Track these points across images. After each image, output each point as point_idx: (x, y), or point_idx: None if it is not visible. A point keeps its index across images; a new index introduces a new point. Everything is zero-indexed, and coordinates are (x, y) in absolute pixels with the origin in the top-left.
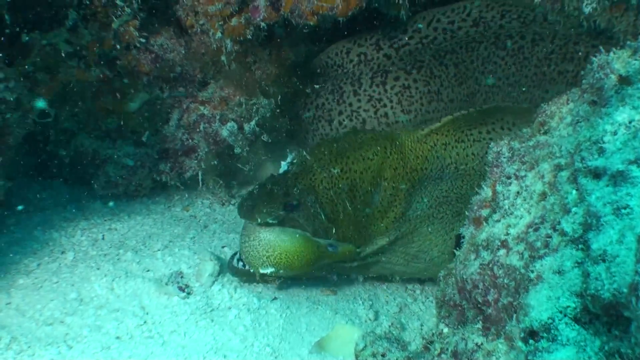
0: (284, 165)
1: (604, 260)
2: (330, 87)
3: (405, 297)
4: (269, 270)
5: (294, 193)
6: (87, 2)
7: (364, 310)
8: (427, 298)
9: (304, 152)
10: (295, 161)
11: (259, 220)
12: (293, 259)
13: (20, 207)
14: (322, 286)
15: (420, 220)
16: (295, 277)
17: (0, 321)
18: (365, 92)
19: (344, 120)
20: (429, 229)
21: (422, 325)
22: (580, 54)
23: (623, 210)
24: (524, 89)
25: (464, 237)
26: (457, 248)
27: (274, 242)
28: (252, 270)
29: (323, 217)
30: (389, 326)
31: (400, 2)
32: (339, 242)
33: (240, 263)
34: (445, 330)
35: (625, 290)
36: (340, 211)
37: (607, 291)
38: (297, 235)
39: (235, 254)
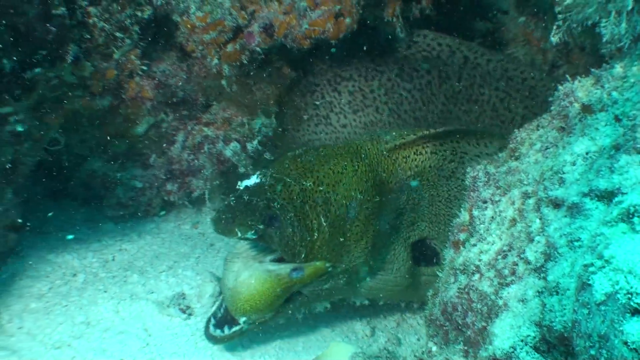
0: (252, 179)
1: (557, 293)
2: None
3: (404, 310)
4: (243, 319)
5: (274, 207)
6: (88, 37)
7: (361, 326)
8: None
9: (268, 170)
10: (262, 179)
11: (239, 234)
12: (256, 303)
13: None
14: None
15: (387, 233)
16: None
17: (12, 345)
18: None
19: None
20: (392, 239)
21: (418, 339)
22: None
23: (576, 243)
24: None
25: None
26: (416, 257)
27: (235, 293)
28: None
29: (298, 236)
30: (385, 342)
31: (395, 20)
32: (305, 262)
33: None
34: (434, 348)
35: (570, 324)
36: (315, 228)
37: (558, 323)
38: (253, 281)
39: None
